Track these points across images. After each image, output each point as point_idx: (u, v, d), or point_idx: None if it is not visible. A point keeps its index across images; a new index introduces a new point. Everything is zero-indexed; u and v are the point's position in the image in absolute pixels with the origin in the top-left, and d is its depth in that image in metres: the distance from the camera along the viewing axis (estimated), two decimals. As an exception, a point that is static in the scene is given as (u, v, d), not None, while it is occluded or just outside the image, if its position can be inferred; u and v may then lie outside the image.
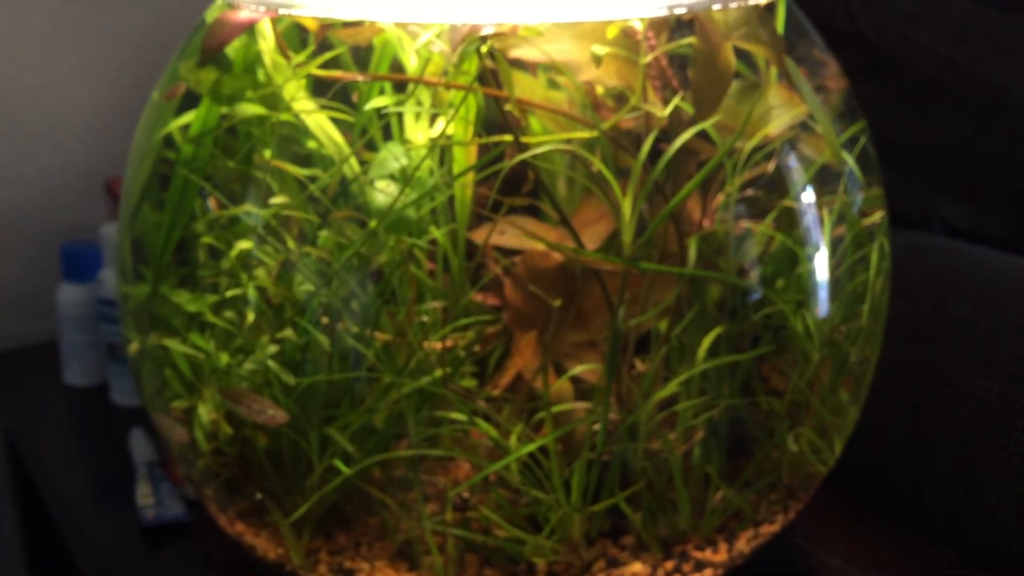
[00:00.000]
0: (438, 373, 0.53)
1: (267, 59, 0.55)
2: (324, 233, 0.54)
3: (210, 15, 0.58)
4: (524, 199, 0.54)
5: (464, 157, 0.55)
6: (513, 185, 0.54)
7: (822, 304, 0.57)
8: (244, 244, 0.55)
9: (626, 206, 0.52)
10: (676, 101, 0.53)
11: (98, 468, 0.84)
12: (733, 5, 0.55)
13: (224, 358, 0.55)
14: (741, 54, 0.55)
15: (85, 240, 0.98)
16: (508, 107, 0.53)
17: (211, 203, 0.57)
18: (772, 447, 0.58)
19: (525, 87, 0.54)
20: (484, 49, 0.52)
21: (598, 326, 0.55)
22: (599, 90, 0.55)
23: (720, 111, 0.54)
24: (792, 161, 0.57)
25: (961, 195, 0.84)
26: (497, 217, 0.54)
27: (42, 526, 0.96)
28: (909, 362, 0.73)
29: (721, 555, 0.58)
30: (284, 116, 0.55)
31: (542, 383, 0.54)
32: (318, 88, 0.55)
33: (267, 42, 0.55)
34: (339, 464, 0.54)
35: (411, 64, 0.55)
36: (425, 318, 0.54)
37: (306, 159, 0.56)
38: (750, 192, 0.56)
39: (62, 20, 1.02)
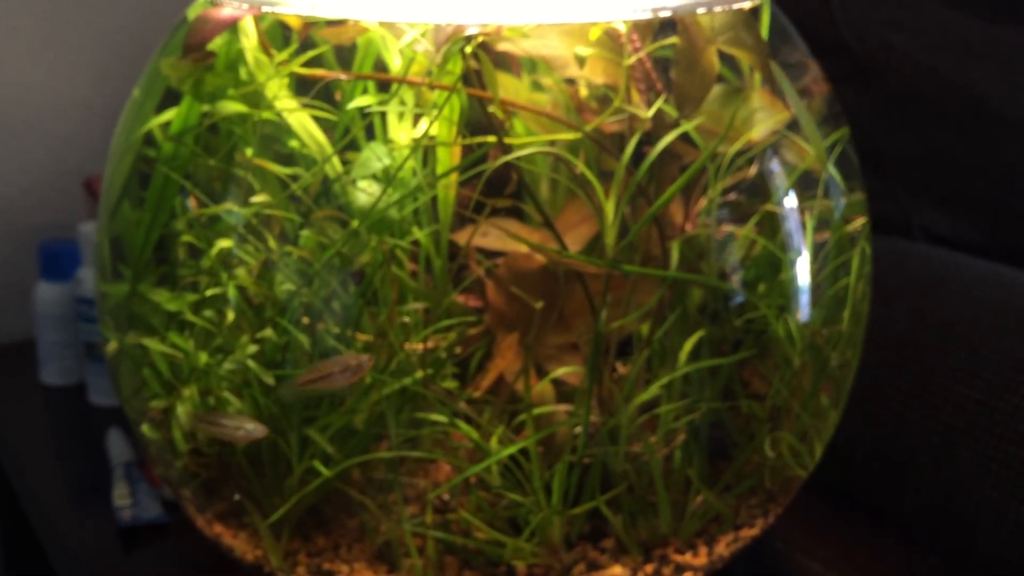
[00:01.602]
0: (419, 374, 0.53)
1: (250, 57, 0.55)
2: (306, 232, 0.54)
3: (192, 12, 0.58)
4: (507, 201, 0.54)
5: (447, 158, 0.55)
6: (496, 186, 0.54)
7: (803, 309, 0.58)
8: (224, 243, 0.54)
9: (609, 209, 0.52)
10: (659, 103, 0.53)
11: (75, 468, 0.83)
12: (717, 9, 0.55)
13: (203, 358, 0.55)
14: (725, 58, 0.55)
15: (63, 238, 0.97)
16: (492, 108, 0.53)
17: (191, 201, 0.56)
18: (752, 451, 0.58)
19: (509, 88, 0.54)
20: (468, 49, 0.52)
21: (580, 328, 0.55)
22: (583, 92, 0.55)
23: (704, 115, 0.54)
24: (775, 166, 0.57)
25: (942, 202, 0.84)
26: (480, 218, 0.54)
27: (18, 526, 0.95)
28: (889, 368, 0.73)
29: (701, 559, 0.58)
30: (266, 114, 0.55)
31: (524, 385, 0.53)
32: (301, 87, 0.55)
33: (250, 40, 0.55)
34: (319, 465, 0.54)
35: (395, 64, 0.54)
36: (407, 319, 0.54)
37: (288, 158, 0.56)
38: (733, 196, 0.56)
39: (42, 18, 1.01)
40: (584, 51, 0.52)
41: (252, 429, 0.53)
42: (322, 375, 0.52)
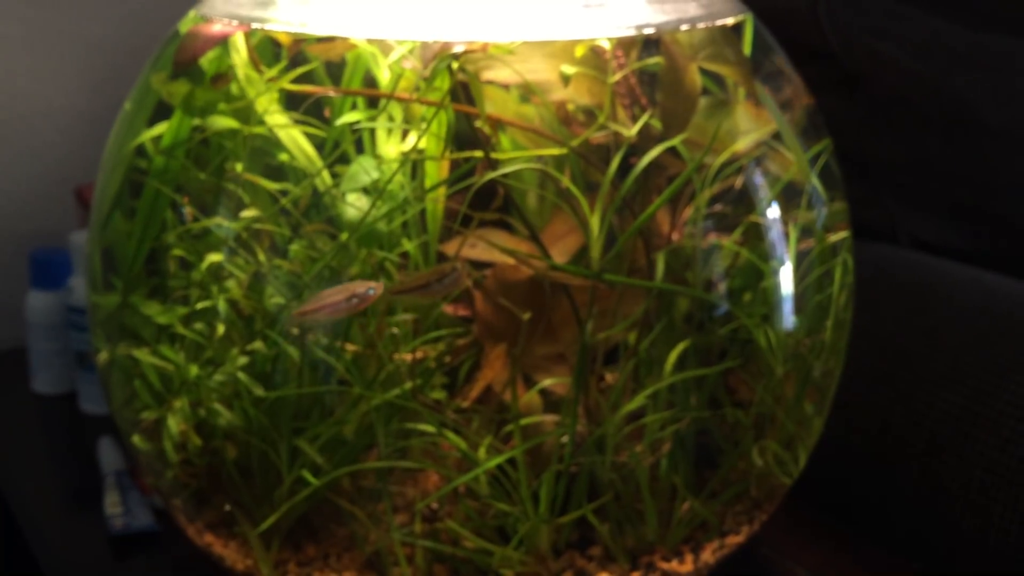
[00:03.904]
0: (408, 385, 0.54)
1: (240, 72, 0.55)
2: (295, 246, 0.54)
3: (183, 27, 0.58)
4: (494, 213, 0.55)
5: (435, 172, 0.55)
6: (484, 199, 0.54)
7: (787, 318, 0.58)
8: (215, 256, 0.55)
9: (595, 221, 0.53)
10: (644, 119, 0.54)
11: (66, 477, 0.83)
12: (700, 25, 0.55)
13: (194, 370, 0.56)
14: (710, 70, 0.56)
15: (54, 247, 0.97)
16: (479, 123, 0.53)
17: (187, 211, 0.57)
18: (738, 459, 0.59)
19: (496, 103, 0.55)
20: (455, 66, 0.52)
21: (567, 339, 0.55)
22: (569, 106, 0.56)
23: (688, 127, 0.55)
24: (759, 177, 0.57)
25: (927, 209, 0.85)
26: (468, 231, 0.54)
27: (9, 535, 0.95)
28: (875, 373, 0.74)
29: (687, 566, 0.59)
30: (256, 129, 0.55)
31: (511, 395, 0.54)
32: (291, 102, 0.56)
33: (240, 56, 0.56)
34: (308, 475, 0.54)
35: (383, 80, 0.55)
36: (395, 330, 0.54)
37: (278, 171, 0.56)
38: (718, 207, 0.57)
39: (32, 26, 1.02)
40: (569, 69, 0.53)
41: (365, 291, 0.46)
42: (322, 307, 0.48)
